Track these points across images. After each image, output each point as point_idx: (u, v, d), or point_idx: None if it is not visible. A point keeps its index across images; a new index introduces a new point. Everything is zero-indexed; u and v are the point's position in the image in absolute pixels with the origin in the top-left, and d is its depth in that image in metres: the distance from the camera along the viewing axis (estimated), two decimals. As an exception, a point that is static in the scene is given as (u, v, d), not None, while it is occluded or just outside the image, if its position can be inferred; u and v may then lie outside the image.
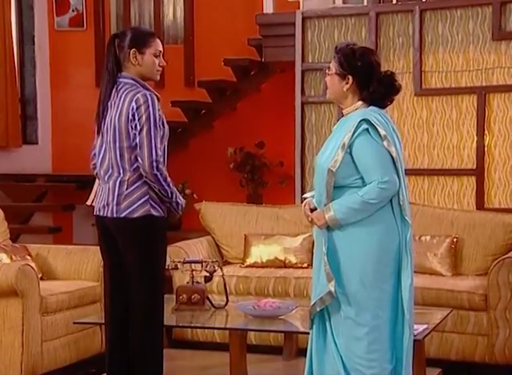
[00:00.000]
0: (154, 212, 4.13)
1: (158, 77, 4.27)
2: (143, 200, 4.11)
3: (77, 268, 5.67)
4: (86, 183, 7.51)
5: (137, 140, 4.07)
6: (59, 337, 5.23)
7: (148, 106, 4.06)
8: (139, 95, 4.08)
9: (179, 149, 8.62)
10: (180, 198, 4.24)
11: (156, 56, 4.22)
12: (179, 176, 8.29)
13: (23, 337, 4.94)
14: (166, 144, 4.24)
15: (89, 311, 5.44)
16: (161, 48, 4.25)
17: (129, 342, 4.24)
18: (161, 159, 4.12)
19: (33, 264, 5.33)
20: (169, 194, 4.15)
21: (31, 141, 9.45)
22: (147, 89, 4.17)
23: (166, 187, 4.13)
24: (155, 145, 4.07)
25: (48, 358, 5.13)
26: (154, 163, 4.06)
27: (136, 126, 4.07)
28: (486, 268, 5.44)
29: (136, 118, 4.06)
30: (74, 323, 5.03)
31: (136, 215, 4.11)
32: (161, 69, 4.27)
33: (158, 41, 4.26)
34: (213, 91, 8.57)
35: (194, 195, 8.15)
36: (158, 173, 4.08)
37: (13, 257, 5.50)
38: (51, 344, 5.15)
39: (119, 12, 9.42)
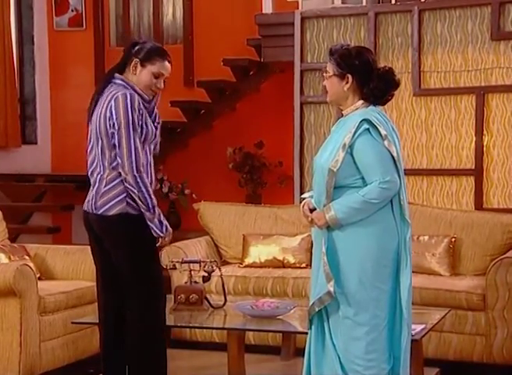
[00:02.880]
0: (131, 211, 4.09)
1: (150, 97, 4.22)
2: (119, 198, 4.09)
3: (75, 268, 5.68)
4: (85, 183, 7.46)
5: (116, 140, 4.06)
6: (57, 337, 5.24)
7: (126, 105, 4.03)
8: (119, 94, 4.07)
9: (179, 149, 8.63)
10: (164, 220, 4.14)
11: (155, 77, 4.19)
12: (178, 176, 8.33)
13: (21, 337, 4.94)
14: (152, 146, 4.20)
15: (87, 311, 5.43)
16: (164, 72, 4.20)
17: (125, 344, 4.23)
18: (142, 162, 4.06)
19: (31, 264, 5.34)
20: (149, 205, 4.06)
21: (30, 141, 9.45)
22: (134, 90, 4.15)
23: (146, 195, 4.05)
24: (135, 146, 4.04)
25: (46, 358, 5.13)
26: (134, 163, 4.03)
27: (113, 124, 4.05)
28: (484, 268, 5.44)
29: (114, 117, 4.05)
30: (72, 322, 5.03)
31: (111, 213, 4.10)
32: (156, 90, 4.22)
33: (167, 64, 4.21)
34: (212, 91, 8.58)
35: (193, 195, 8.16)
36: (137, 176, 4.04)
37: (12, 257, 5.51)
38: (49, 344, 5.16)
39: (119, 12, 9.43)
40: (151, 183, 4.16)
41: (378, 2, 7.44)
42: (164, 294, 4.33)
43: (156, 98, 4.29)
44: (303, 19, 7.34)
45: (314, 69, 7.29)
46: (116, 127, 4.06)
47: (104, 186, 4.13)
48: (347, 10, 7.26)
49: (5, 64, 8.72)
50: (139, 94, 4.15)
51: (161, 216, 4.13)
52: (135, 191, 4.05)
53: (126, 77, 4.20)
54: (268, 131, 8.48)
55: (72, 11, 9.36)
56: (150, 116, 4.22)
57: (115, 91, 4.12)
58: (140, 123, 4.09)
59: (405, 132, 6.93)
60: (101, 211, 4.12)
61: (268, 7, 7.84)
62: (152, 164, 4.22)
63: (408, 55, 6.97)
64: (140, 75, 4.18)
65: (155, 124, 4.27)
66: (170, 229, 4.18)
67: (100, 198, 4.13)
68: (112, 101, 4.08)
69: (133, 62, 4.18)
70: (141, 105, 4.11)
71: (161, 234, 4.13)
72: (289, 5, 7.82)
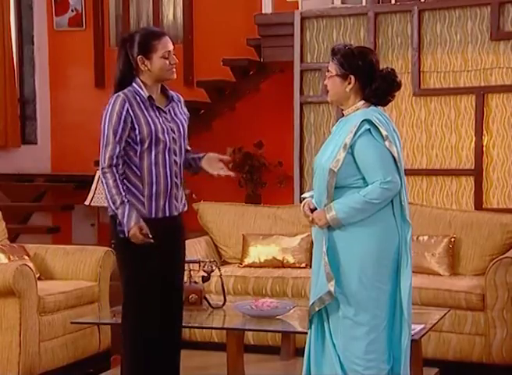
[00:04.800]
0: None
1: (174, 76, 4.17)
2: None
3: (75, 268, 5.66)
4: (85, 183, 7.53)
5: None
6: (57, 337, 5.24)
7: (108, 106, 4.05)
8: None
9: (178, 149, 8.63)
10: (126, 220, 3.98)
11: (165, 57, 4.12)
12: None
13: (20, 337, 4.94)
14: (162, 145, 4.12)
15: (86, 311, 5.45)
16: (168, 48, 4.12)
17: None
18: (109, 156, 4.01)
19: (30, 264, 5.34)
20: (111, 204, 4.02)
21: (30, 141, 9.47)
22: (138, 88, 4.11)
23: (106, 191, 4.02)
24: (106, 142, 4.03)
25: (46, 358, 5.13)
26: (102, 159, 4.03)
27: None
28: (484, 268, 5.44)
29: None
30: (71, 322, 5.03)
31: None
32: (173, 67, 4.15)
33: (165, 40, 4.13)
34: (212, 91, 8.58)
35: (193, 195, 8.15)
36: (103, 176, 4.03)
37: (11, 257, 5.50)
38: (48, 344, 5.16)
39: (118, 12, 9.44)
40: (155, 183, 4.09)
41: (378, 2, 7.45)
42: (153, 300, 4.14)
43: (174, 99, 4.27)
44: (302, 19, 7.34)
45: (314, 69, 7.30)
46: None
47: None
48: (347, 10, 7.26)
49: (4, 64, 8.74)
50: (138, 94, 4.10)
51: (122, 214, 3.99)
52: (103, 188, 4.09)
53: (142, 76, 4.15)
54: (268, 131, 8.48)
55: (72, 11, 9.38)
56: (162, 112, 4.18)
57: None
58: (128, 125, 4.03)
59: (405, 132, 6.93)
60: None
61: (267, 7, 7.85)
62: (163, 165, 4.12)
63: (408, 55, 6.98)
64: (152, 66, 4.11)
65: (179, 121, 4.25)
66: (129, 227, 3.99)
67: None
68: None
69: (139, 61, 4.12)
70: (128, 105, 4.04)
71: (125, 232, 4.02)
72: (289, 5, 7.84)
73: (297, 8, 7.59)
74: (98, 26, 9.33)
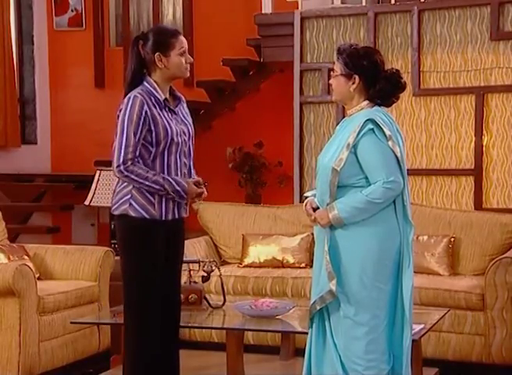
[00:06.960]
0: (131, 213, 4.05)
1: (188, 74, 4.20)
2: (124, 199, 4.07)
3: (75, 268, 5.66)
4: (85, 183, 7.53)
5: None
6: (57, 337, 5.24)
7: (126, 106, 4.03)
8: (126, 97, 4.06)
9: (178, 149, 8.62)
10: (175, 185, 4.05)
11: (181, 54, 4.13)
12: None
13: (20, 337, 4.95)
14: (174, 148, 4.15)
15: (86, 311, 5.45)
16: (184, 46, 4.14)
17: None
18: (130, 157, 3.99)
19: (30, 264, 5.34)
20: (157, 188, 4.02)
21: (30, 140, 9.46)
22: (153, 89, 4.10)
23: (145, 184, 4.00)
24: (124, 144, 4.00)
25: (46, 358, 5.13)
26: (122, 166, 4.00)
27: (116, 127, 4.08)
28: (483, 268, 5.44)
29: (117, 120, 4.07)
30: (71, 322, 5.03)
31: (116, 212, 4.11)
32: (188, 65, 4.18)
33: (181, 38, 4.15)
34: (212, 91, 8.58)
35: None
36: (127, 173, 4.00)
37: (11, 257, 5.50)
38: (48, 344, 5.16)
39: (118, 12, 9.43)
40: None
41: (378, 2, 7.45)
42: (155, 300, 4.13)
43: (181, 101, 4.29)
44: (302, 19, 7.34)
45: (314, 69, 7.30)
46: (116, 130, 4.06)
47: (119, 186, 4.13)
48: (347, 10, 7.26)
49: (4, 64, 8.73)
50: (153, 95, 4.09)
51: (172, 184, 4.05)
52: (135, 184, 4.02)
53: (155, 75, 4.14)
54: (268, 131, 8.48)
55: (72, 11, 9.37)
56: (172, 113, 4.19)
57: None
58: (146, 127, 4.02)
59: (405, 132, 6.92)
60: (112, 209, 4.15)
61: (267, 7, 7.85)
62: (174, 167, 4.14)
63: (408, 55, 6.98)
64: (170, 64, 4.11)
65: (187, 122, 4.31)
66: (186, 187, 4.11)
67: (114, 197, 4.14)
68: (121, 105, 4.09)
69: (156, 58, 4.10)
70: (147, 107, 4.04)
71: (185, 197, 4.11)
72: (289, 5, 7.83)
73: (297, 8, 7.59)
74: (98, 26, 9.32)
